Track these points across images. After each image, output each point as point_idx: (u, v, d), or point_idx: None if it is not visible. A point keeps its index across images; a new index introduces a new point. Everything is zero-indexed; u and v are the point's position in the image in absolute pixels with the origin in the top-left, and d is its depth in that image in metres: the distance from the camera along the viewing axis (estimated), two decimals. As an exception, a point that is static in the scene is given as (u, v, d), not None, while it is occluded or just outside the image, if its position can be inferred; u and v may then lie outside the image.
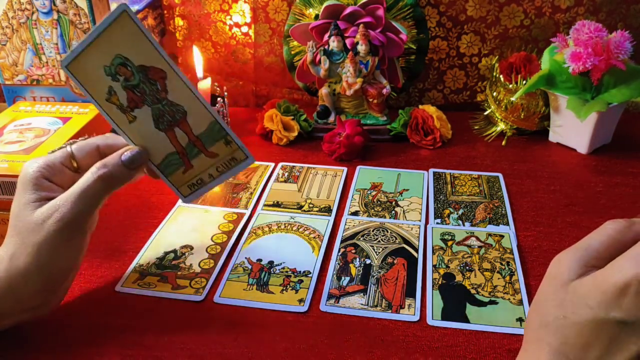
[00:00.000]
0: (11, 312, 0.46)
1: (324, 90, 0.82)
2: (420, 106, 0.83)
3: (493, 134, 0.82)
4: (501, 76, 0.82)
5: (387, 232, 0.62)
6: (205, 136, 0.50)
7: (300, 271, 0.56)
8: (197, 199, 0.52)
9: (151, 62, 0.47)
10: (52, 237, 0.44)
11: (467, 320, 0.50)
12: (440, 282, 0.55)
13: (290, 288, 0.54)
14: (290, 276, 0.56)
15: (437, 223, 0.64)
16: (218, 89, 0.85)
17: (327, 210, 0.66)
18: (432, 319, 0.50)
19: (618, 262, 0.34)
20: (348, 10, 0.79)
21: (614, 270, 0.34)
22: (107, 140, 0.50)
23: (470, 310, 0.51)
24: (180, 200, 0.55)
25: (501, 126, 0.82)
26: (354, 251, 0.59)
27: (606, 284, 0.33)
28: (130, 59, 0.47)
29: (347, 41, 0.79)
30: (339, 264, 0.57)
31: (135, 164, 0.48)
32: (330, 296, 0.53)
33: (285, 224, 0.64)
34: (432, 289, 0.54)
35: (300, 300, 0.53)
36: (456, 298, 0.53)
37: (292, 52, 0.87)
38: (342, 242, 0.60)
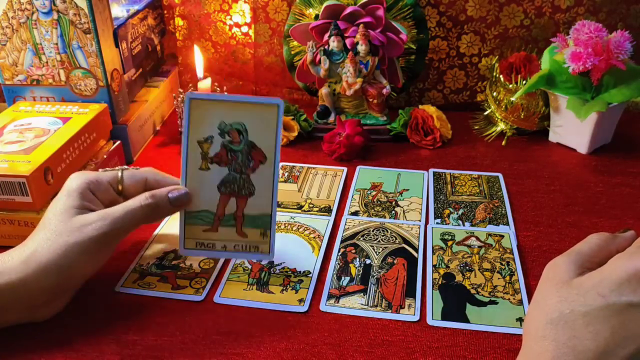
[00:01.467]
0: (16, 306, 0.46)
1: (324, 90, 0.82)
2: (420, 106, 0.83)
3: (493, 134, 0.82)
4: (501, 76, 0.82)
5: (387, 232, 0.62)
6: (250, 219, 0.53)
7: (300, 271, 0.56)
8: (192, 256, 0.56)
9: (261, 145, 0.52)
10: (86, 243, 0.47)
11: (467, 320, 0.50)
12: (440, 282, 0.55)
13: (290, 288, 0.54)
14: (290, 276, 0.56)
15: (437, 223, 0.64)
16: (218, 89, 0.85)
17: (327, 210, 0.66)
18: (432, 319, 0.50)
19: (626, 253, 0.36)
20: (348, 10, 0.79)
21: (624, 260, 0.36)
22: (155, 176, 0.54)
23: (470, 310, 0.51)
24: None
25: (501, 126, 0.82)
26: (354, 251, 0.59)
27: (618, 272, 0.35)
28: (248, 132, 0.52)
29: (347, 41, 0.79)
30: (339, 264, 0.57)
31: (179, 203, 0.51)
32: (330, 296, 0.53)
33: (285, 224, 0.64)
34: (432, 289, 0.54)
35: (300, 300, 0.53)
36: (456, 298, 0.53)
37: (292, 52, 0.87)
38: (342, 242, 0.60)
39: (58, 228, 0.47)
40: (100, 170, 0.53)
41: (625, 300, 0.34)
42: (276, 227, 0.53)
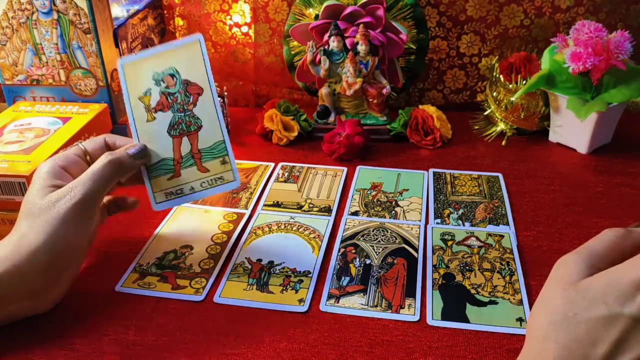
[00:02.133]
0: (15, 294, 0.47)
1: (324, 90, 0.82)
2: (420, 106, 0.83)
3: (493, 134, 0.82)
4: (501, 76, 0.82)
5: (387, 232, 0.62)
6: (206, 151, 0.55)
7: (300, 271, 0.56)
8: (166, 209, 0.57)
9: (195, 80, 0.55)
10: (64, 215, 0.48)
11: (467, 320, 0.50)
12: (440, 282, 0.55)
13: (290, 288, 0.54)
14: (290, 276, 0.56)
15: (437, 223, 0.64)
16: (218, 88, 0.85)
17: (327, 210, 0.66)
18: (432, 319, 0.50)
19: (636, 260, 0.35)
20: (348, 10, 0.79)
21: (632, 267, 0.35)
22: (112, 138, 0.56)
23: (470, 310, 0.51)
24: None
25: (501, 126, 0.82)
26: (354, 251, 0.59)
27: (624, 280, 0.34)
28: (180, 72, 0.55)
29: (347, 41, 0.79)
30: (339, 264, 0.57)
31: (138, 156, 0.53)
32: (330, 296, 0.53)
33: (285, 224, 0.64)
34: (432, 289, 0.54)
35: (300, 300, 0.53)
36: (456, 298, 0.53)
37: (292, 52, 0.87)
38: (342, 242, 0.60)
39: (34, 211, 0.48)
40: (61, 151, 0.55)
41: (627, 312, 0.33)
42: (233, 154, 0.55)
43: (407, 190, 0.70)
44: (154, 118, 0.55)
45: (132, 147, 0.53)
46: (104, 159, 0.51)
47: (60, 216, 0.48)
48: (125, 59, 0.55)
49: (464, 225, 0.63)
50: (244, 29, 0.91)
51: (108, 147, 0.55)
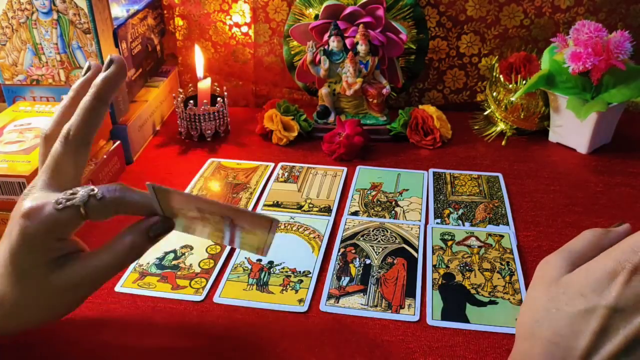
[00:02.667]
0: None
1: (324, 90, 0.82)
2: (420, 106, 0.83)
3: (493, 134, 0.82)
4: (501, 76, 0.82)
5: (387, 232, 0.62)
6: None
7: (300, 271, 0.56)
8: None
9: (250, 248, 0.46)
10: (73, 305, 0.45)
11: (467, 320, 0.50)
12: (440, 282, 0.55)
13: (290, 288, 0.54)
14: (290, 276, 0.56)
15: (437, 223, 0.64)
16: (218, 89, 0.85)
17: (327, 210, 0.66)
18: (432, 319, 0.50)
19: (610, 250, 0.36)
20: (348, 10, 0.79)
21: (605, 258, 0.36)
22: (125, 205, 0.43)
23: (470, 310, 0.51)
24: None
25: (501, 126, 0.82)
26: (353, 251, 0.59)
27: (598, 272, 0.35)
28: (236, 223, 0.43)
29: (347, 41, 0.79)
30: (338, 264, 0.57)
31: (161, 235, 0.44)
32: (330, 296, 0.53)
33: (285, 224, 0.64)
34: (432, 289, 0.54)
35: (300, 300, 0.53)
36: (456, 298, 0.53)
37: (292, 52, 0.87)
38: (342, 242, 0.60)
39: (35, 286, 0.42)
40: (55, 206, 0.41)
41: (604, 303, 0.34)
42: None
43: (407, 190, 0.70)
44: (195, 231, 0.46)
45: (154, 226, 0.43)
46: (125, 254, 0.44)
47: (68, 305, 0.45)
48: (159, 187, 0.41)
49: (463, 225, 0.63)
50: (244, 29, 0.91)
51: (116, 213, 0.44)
